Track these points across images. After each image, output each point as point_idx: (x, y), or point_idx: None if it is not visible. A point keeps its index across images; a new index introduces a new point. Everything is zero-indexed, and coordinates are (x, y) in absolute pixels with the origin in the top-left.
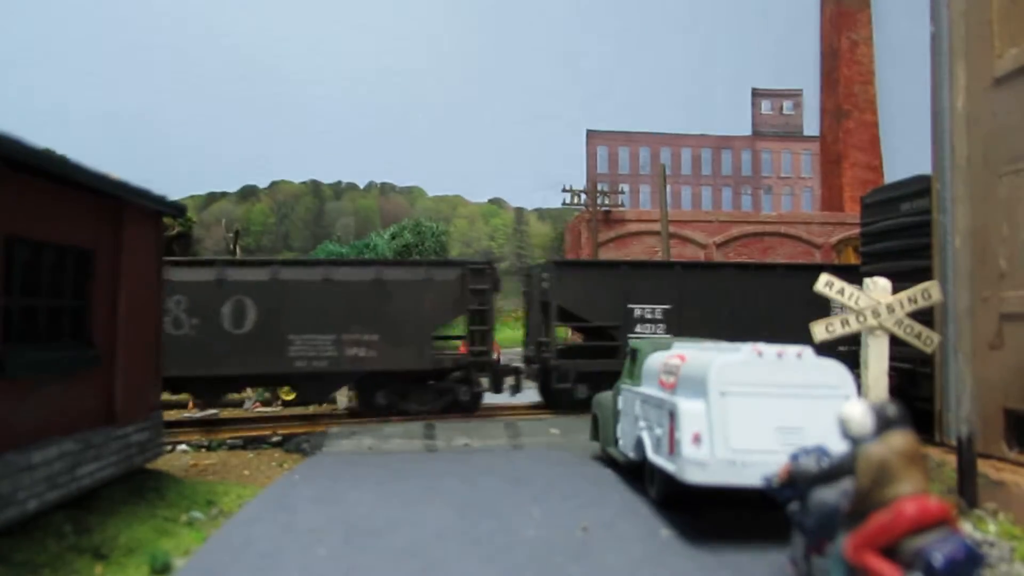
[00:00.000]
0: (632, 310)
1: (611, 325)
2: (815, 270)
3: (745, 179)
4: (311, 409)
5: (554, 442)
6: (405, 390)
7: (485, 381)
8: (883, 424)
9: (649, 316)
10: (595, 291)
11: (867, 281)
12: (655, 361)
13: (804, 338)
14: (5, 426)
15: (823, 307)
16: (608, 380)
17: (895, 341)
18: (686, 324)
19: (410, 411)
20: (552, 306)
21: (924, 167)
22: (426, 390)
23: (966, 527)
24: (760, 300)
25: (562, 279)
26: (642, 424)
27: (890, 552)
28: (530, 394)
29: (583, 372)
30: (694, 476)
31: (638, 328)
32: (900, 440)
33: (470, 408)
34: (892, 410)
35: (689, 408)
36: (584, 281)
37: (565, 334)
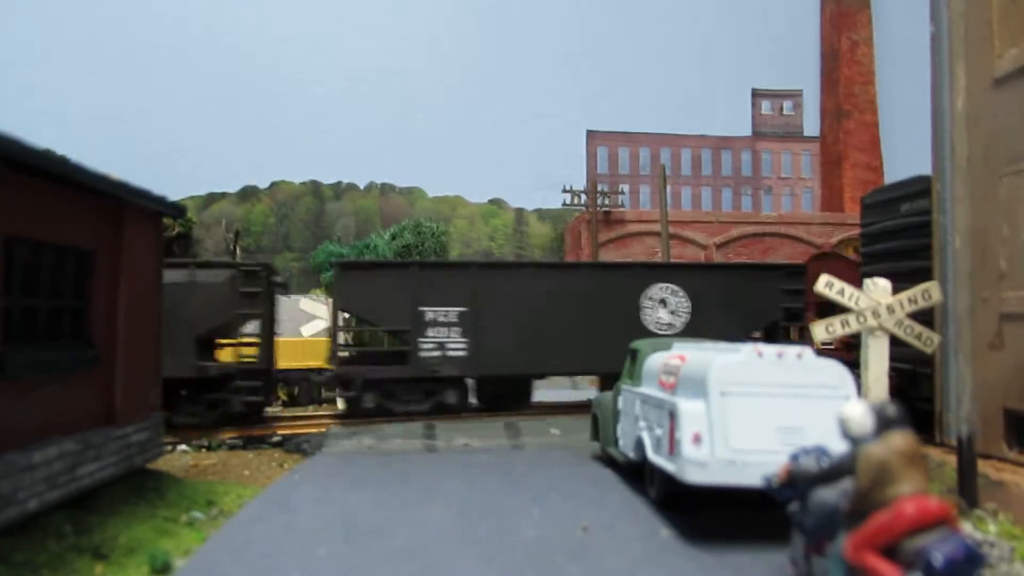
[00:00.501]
0: (423, 313)
1: (399, 329)
2: (625, 268)
3: (745, 179)
4: (310, 409)
5: (554, 442)
6: (169, 400)
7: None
8: (883, 424)
9: (442, 319)
10: (382, 293)
11: (867, 282)
12: (655, 361)
13: (614, 338)
14: (5, 426)
15: (634, 307)
16: (400, 388)
17: (895, 341)
18: (484, 327)
19: (176, 423)
20: (337, 309)
21: (924, 167)
22: (195, 401)
23: (966, 527)
24: (566, 300)
25: (346, 281)
26: (642, 424)
27: (890, 552)
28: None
29: (371, 379)
30: (694, 476)
31: (430, 332)
32: (900, 440)
33: (251, 420)
34: (892, 410)
35: (689, 408)
36: (370, 283)
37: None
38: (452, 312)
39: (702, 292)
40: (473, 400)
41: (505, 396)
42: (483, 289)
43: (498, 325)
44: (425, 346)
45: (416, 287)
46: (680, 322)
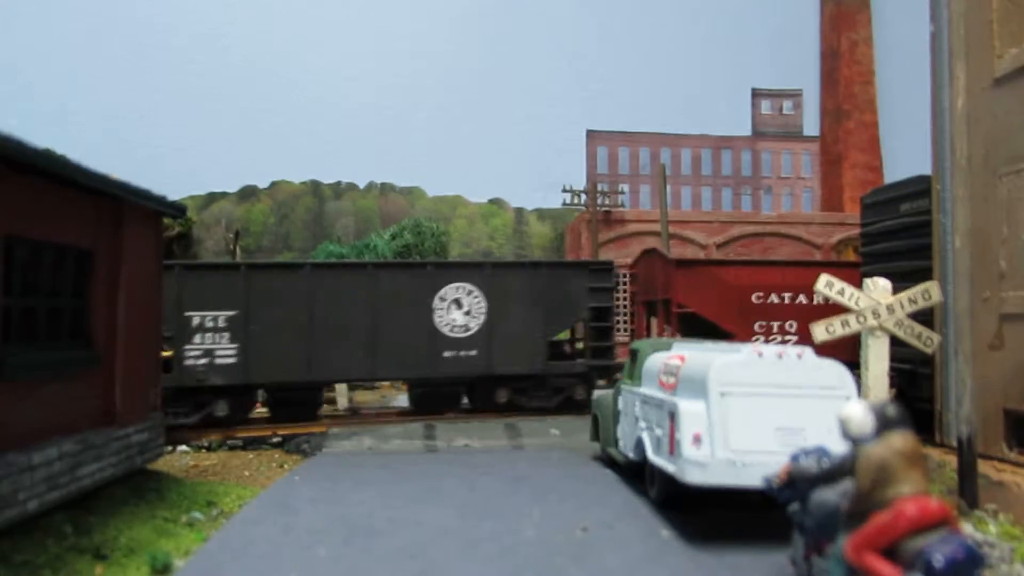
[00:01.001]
0: (190, 318)
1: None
2: (415, 268)
3: (745, 179)
4: None
5: (554, 443)
6: None
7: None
8: (883, 425)
9: (211, 324)
10: None
11: (867, 282)
12: (655, 362)
13: (403, 342)
14: (5, 426)
15: (426, 308)
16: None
17: (895, 341)
18: (256, 332)
19: None
20: None
21: (924, 167)
22: None
23: (966, 528)
24: (350, 302)
25: None
26: (642, 425)
27: (890, 553)
28: None
29: None
30: (694, 477)
31: (197, 338)
32: (900, 441)
33: None
34: (892, 411)
35: (689, 409)
36: None
37: None
38: (221, 317)
39: (500, 292)
40: (261, 409)
41: (290, 405)
42: (256, 291)
43: (272, 330)
44: (191, 353)
45: (180, 290)
46: (476, 324)
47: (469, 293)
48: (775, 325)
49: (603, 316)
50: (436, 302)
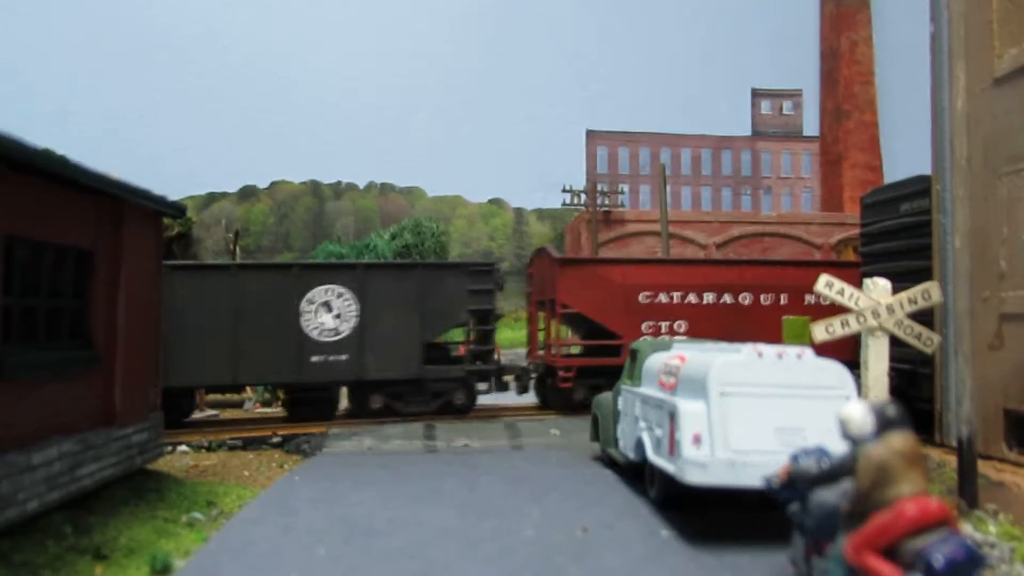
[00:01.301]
0: None
1: None
2: (280, 269)
3: (745, 179)
4: None
5: (554, 443)
6: None
7: None
8: (883, 425)
9: None
10: None
11: (867, 282)
12: (655, 362)
13: (269, 347)
14: (5, 426)
15: (292, 311)
16: None
17: (895, 342)
18: None
19: None
20: None
21: (924, 167)
22: None
23: (966, 528)
24: (210, 305)
25: None
26: (642, 425)
27: (890, 553)
28: None
29: None
30: (694, 477)
31: None
32: (900, 441)
33: None
34: (892, 411)
35: (689, 409)
36: None
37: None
38: None
39: (373, 294)
40: None
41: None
42: None
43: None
44: None
45: None
46: (347, 327)
47: (339, 296)
48: (664, 325)
49: (483, 319)
50: (304, 305)
